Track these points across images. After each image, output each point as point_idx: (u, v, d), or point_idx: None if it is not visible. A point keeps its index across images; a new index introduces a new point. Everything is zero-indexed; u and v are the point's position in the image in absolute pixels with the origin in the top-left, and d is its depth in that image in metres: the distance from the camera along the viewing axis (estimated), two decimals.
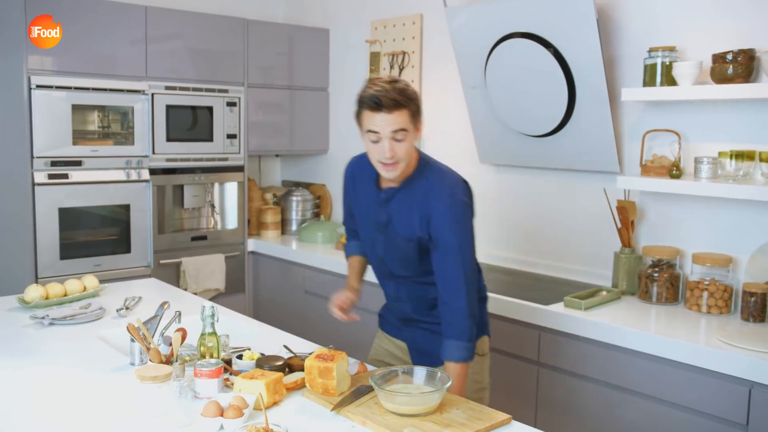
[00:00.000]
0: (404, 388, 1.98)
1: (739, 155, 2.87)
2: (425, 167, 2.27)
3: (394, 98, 2.09)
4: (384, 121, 2.10)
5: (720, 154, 2.94)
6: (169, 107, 4.16)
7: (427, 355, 2.31)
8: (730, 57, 2.81)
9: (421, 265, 2.29)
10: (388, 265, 2.38)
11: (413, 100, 2.15)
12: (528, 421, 1.97)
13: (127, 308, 2.76)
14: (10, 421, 1.80)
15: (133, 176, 4.06)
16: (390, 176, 2.20)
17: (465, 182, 2.30)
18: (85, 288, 2.94)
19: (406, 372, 2.04)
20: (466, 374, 2.19)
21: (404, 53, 4.36)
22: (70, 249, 3.85)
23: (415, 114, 2.16)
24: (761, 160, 2.82)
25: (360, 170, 2.39)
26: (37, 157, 3.72)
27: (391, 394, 1.88)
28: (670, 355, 2.60)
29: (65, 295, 2.85)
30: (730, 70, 2.80)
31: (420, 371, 2.03)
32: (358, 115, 2.17)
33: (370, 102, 2.10)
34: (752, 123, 2.93)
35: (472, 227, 2.28)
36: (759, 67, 2.81)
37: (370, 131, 2.13)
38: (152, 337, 2.23)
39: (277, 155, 5.34)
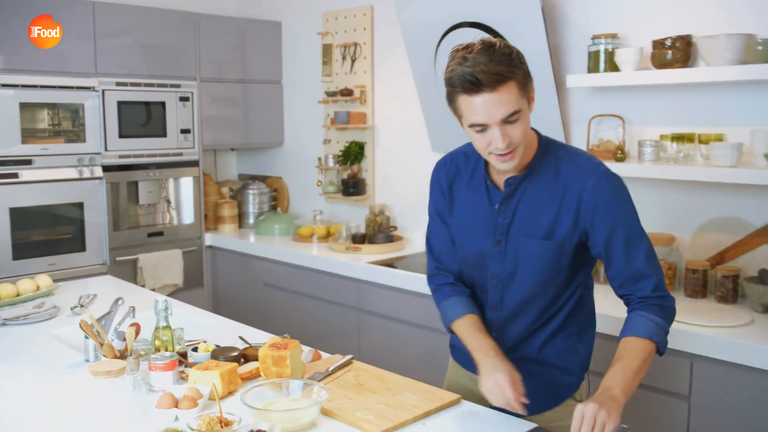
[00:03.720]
0: (277, 403, 1.80)
1: (679, 138, 2.96)
2: (549, 144, 1.83)
3: (497, 71, 1.59)
4: (488, 105, 1.62)
5: (662, 137, 3.03)
6: (120, 103, 4.13)
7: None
8: (668, 43, 2.89)
9: (555, 278, 1.83)
10: (502, 287, 1.88)
11: (519, 65, 1.64)
12: None
13: (81, 306, 2.75)
14: None
15: (86, 174, 4.03)
16: (507, 167, 1.73)
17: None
18: (38, 287, 2.92)
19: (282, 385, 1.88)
20: (648, 360, 1.72)
21: (356, 44, 4.38)
22: (23, 249, 3.82)
23: (526, 81, 1.66)
24: (700, 142, 2.92)
25: (455, 166, 1.95)
26: None
27: (264, 413, 1.72)
28: (617, 331, 2.67)
29: (17, 295, 2.82)
30: (669, 56, 2.88)
31: (295, 384, 1.87)
32: (451, 101, 1.71)
33: (464, 83, 1.62)
34: (691, 106, 3.02)
35: (634, 205, 1.81)
36: (696, 53, 2.89)
37: (474, 125, 1.67)
38: (106, 333, 2.23)
39: (232, 149, 5.33)
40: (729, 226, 2.95)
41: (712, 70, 2.74)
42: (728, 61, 2.71)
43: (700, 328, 2.51)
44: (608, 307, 2.47)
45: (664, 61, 2.90)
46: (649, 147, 3.00)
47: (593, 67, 3.14)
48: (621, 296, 1.84)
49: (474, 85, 1.60)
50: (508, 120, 1.63)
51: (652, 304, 1.76)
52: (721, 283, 2.85)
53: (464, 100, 1.65)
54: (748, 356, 2.37)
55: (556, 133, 3.36)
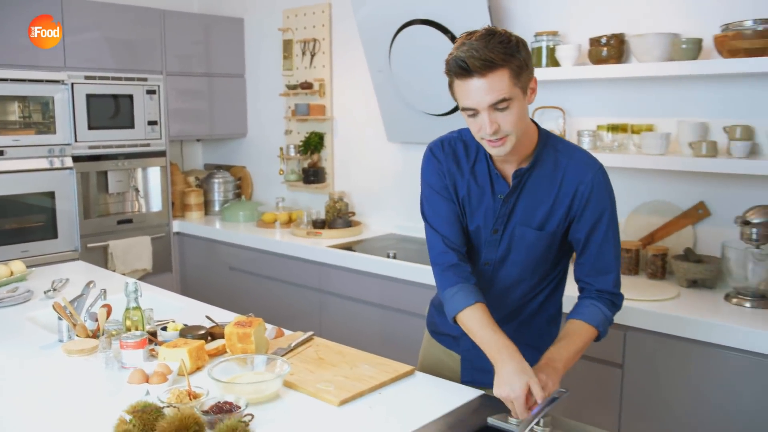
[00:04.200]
0: (242, 377, 1.83)
1: (614, 128, 3.04)
2: (549, 138, 1.79)
3: (486, 57, 1.55)
4: (477, 91, 1.58)
5: (598, 127, 3.11)
6: (89, 96, 4.08)
7: (484, 373, 1.82)
8: (604, 40, 2.96)
9: (540, 267, 1.85)
10: (492, 272, 1.88)
11: (515, 55, 1.58)
12: None
13: (54, 290, 2.73)
14: None
15: (57, 164, 3.98)
16: (498, 153, 1.68)
17: None
18: (12, 273, 2.88)
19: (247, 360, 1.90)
20: (588, 343, 1.78)
21: (315, 40, 4.39)
22: None
23: (521, 71, 1.59)
24: (633, 132, 3.00)
25: (452, 153, 1.86)
26: None
27: (230, 385, 1.74)
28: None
29: None
30: (605, 53, 2.96)
31: (260, 359, 1.89)
32: (449, 85, 1.66)
33: (456, 67, 1.59)
34: (624, 99, 3.09)
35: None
36: (628, 50, 2.97)
37: (464, 109, 1.63)
38: (79, 314, 2.23)
39: (198, 140, 5.30)
40: (658, 209, 3.04)
41: (643, 66, 2.81)
42: (657, 57, 2.78)
43: (632, 302, 2.58)
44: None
45: (600, 57, 2.97)
46: (587, 136, 3.07)
47: (536, 63, 3.19)
48: (580, 282, 1.85)
49: (464, 71, 1.57)
50: (497, 107, 1.59)
51: (606, 299, 1.80)
52: (651, 261, 2.94)
53: (457, 85, 1.62)
54: (674, 327, 2.46)
55: None
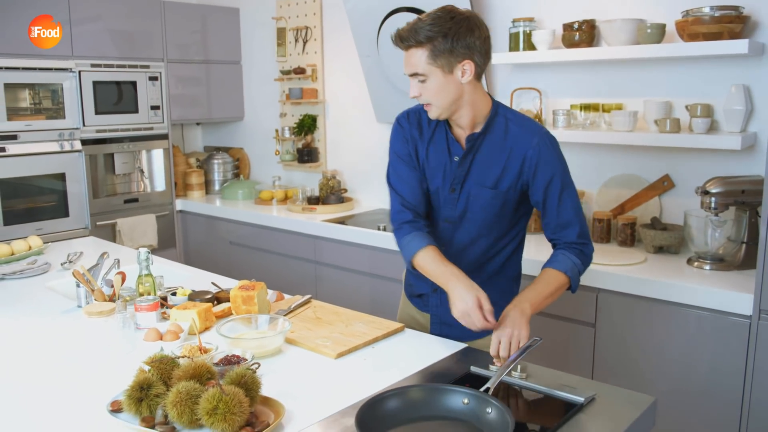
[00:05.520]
0: (247, 334, 1.91)
1: (586, 107, 3.12)
2: (500, 107, 1.89)
3: (407, 37, 1.72)
4: (404, 60, 1.76)
5: (572, 106, 3.18)
6: (95, 83, 4.12)
7: (450, 327, 2.00)
8: (576, 26, 3.02)
9: (498, 224, 1.93)
10: (452, 229, 1.96)
11: (432, 39, 1.70)
12: None
13: (70, 262, 2.80)
14: None
15: (66, 147, 4.02)
16: (432, 117, 1.84)
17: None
18: (30, 247, 2.95)
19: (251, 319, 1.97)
20: (560, 289, 1.87)
21: (307, 28, 4.43)
22: (12, 216, 3.81)
23: (440, 53, 1.71)
24: (603, 110, 3.07)
25: (416, 122, 1.96)
26: None
27: (237, 341, 1.82)
28: (535, 273, 2.83)
29: (12, 254, 2.85)
30: (577, 37, 3.02)
31: (263, 318, 1.97)
32: None
33: (395, 36, 1.77)
34: (596, 80, 3.16)
35: (566, 164, 1.90)
36: (599, 35, 3.03)
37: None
38: (95, 281, 2.30)
39: (198, 123, 5.34)
40: (627, 181, 3.13)
41: (612, 50, 2.88)
42: (624, 41, 2.85)
43: (604, 267, 2.67)
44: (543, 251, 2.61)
45: (572, 41, 3.04)
46: (562, 115, 3.14)
47: (514, 47, 3.26)
48: (550, 240, 1.94)
49: (394, 42, 1.78)
50: (417, 78, 1.76)
51: (574, 248, 1.88)
52: (621, 229, 3.02)
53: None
54: (642, 288, 2.55)
55: None
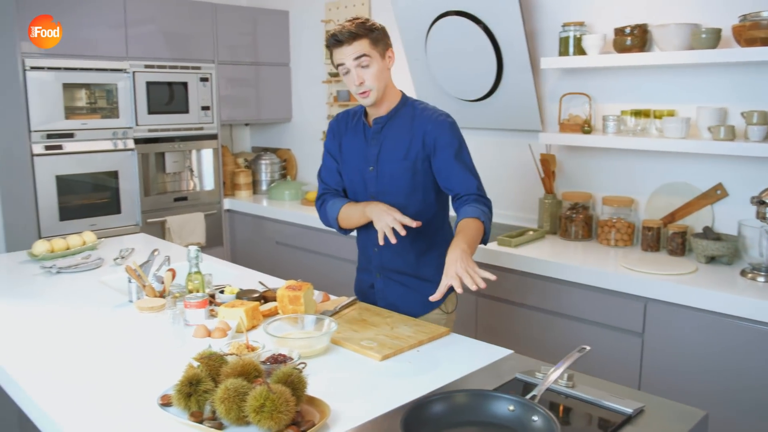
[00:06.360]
0: (294, 333, 1.94)
1: (637, 113, 3.06)
2: (409, 101, 2.24)
3: (350, 30, 2.05)
4: (346, 53, 2.07)
5: (622, 112, 3.12)
6: (148, 83, 4.21)
7: (397, 306, 2.26)
8: (628, 30, 2.97)
9: (414, 194, 2.19)
10: (383, 200, 2.19)
11: (372, 30, 2.09)
12: None
13: (122, 257, 2.86)
14: (34, 350, 1.91)
15: (120, 146, 4.12)
16: (367, 103, 2.16)
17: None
18: (84, 242, 3.02)
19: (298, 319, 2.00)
20: (479, 233, 2.04)
21: None
22: (67, 211, 3.92)
23: (377, 42, 2.09)
24: (655, 117, 3.02)
25: (345, 120, 2.33)
26: (35, 131, 3.76)
27: (284, 340, 1.85)
28: (585, 280, 2.79)
29: (68, 248, 2.93)
30: (629, 42, 2.97)
31: (309, 318, 2.00)
32: (331, 56, 2.14)
33: (332, 40, 2.08)
34: (647, 86, 3.10)
35: (465, 144, 2.19)
36: (651, 39, 2.98)
37: (339, 65, 2.10)
38: (147, 277, 2.34)
39: (246, 124, 5.41)
40: (679, 189, 3.06)
41: (664, 55, 2.82)
42: (677, 47, 2.79)
43: (653, 276, 2.62)
44: None
45: (624, 46, 2.99)
46: (612, 121, 3.09)
47: (563, 51, 3.22)
48: (456, 200, 2.16)
49: (338, 42, 2.07)
50: (361, 63, 2.07)
51: (476, 199, 2.12)
52: (671, 238, 2.96)
53: (334, 53, 2.10)
54: (693, 299, 2.49)
55: (531, 109, 3.45)
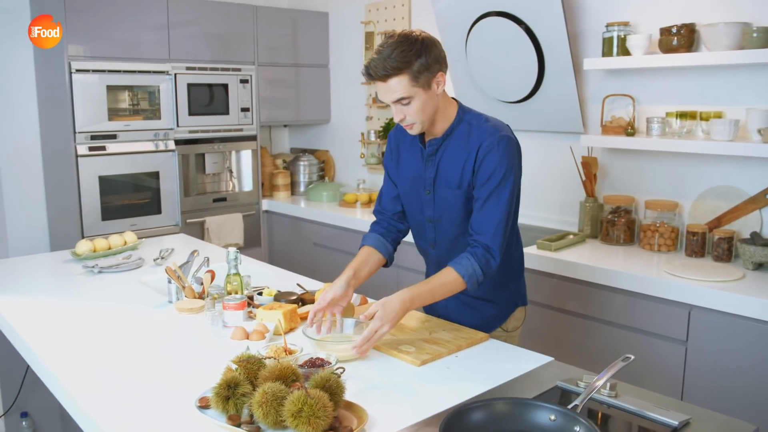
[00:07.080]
0: (333, 337, 1.93)
1: (683, 115, 2.99)
2: (465, 114, 1.99)
3: (383, 67, 1.79)
4: (382, 91, 1.86)
5: (667, 114, 3.06)
6: (189, 85, 4.26)
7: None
8: (674, 30, 2.91)
9: (468, 221, 2.01)
10: (435, 228, 2.09)
11: (412, 63, 1.78)
12: None
13: (162, 258, 2.89)
14: (76, 349, 1.93)
15: (161, 147, 4.17)
16: (414, 133, 1.96)
17: (509, 126, 1.99)
18: (125, 242, 3.06)
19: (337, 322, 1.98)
20: (451, 289, 1.93)
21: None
22: (109, 211, 3.99)
23: (418, 76, 1.80)
24: (701, 119, 2.94)
25: (402, 135, 2.12)
26: (79, 132, 3.83)
27: (322, 343, 1.84)
28: (627, 286, 2.74)
29: (110, 248, 2.97)
30: (675, 42, 2.91)
31: (348, 322, 1.99)
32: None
33: (365, 73, 1.86)
34: (694, 87, 3.03)
35: (519, 168, 1.97)
36: (698, 39, 2.91)
37: (381, 100, 1.97)
38: (186, 278, 2.36)
39: (285, 125, 5.44)
40: (725, 193, 2.99)
41: (713, 55, 2.76)
42: (727, 46, 2.72)
43: (697, 282, 2.56)
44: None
45: (670, 46, 2.93)
46: (656, 123, 3.03)
47: (607, 52, 3.17)
48: (470, 235, 1.96)
49: (370, 77, 1.84)
50: (400, 102, 1.84)
51: (481, 256, 1.91)
52: (717, 244, 2.89)
53: (375, 84, 1.87)
54: (739, 306, 2.43)
55: (573, 111, 3.41)
